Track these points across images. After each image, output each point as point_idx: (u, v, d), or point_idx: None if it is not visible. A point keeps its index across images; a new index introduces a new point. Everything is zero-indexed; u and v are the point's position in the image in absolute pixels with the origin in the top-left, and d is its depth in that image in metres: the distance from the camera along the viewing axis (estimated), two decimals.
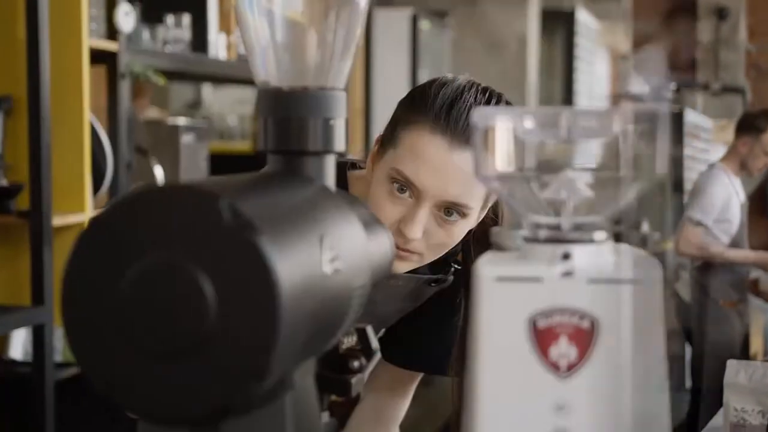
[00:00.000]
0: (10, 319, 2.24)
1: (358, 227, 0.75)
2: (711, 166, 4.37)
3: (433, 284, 1.40)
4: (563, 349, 0.66)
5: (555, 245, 0.67)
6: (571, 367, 0.66)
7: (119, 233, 0.61)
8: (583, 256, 0.67)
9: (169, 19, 2.98)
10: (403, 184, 1.22)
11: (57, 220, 2.33)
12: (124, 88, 2.60)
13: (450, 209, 1.23)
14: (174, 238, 0.60)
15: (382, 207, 1.23)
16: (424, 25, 4.93)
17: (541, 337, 0.66)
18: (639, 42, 9.76)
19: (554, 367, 0.66)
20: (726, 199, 4.16)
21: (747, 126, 4.25)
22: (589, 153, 0.71)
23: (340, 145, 0.77)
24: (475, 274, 0.67)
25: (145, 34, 2.85)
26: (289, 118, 0.76)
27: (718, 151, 8.04)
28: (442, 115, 1.21)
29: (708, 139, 6.92)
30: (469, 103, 1.22)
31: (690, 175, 6.92)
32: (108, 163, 2.52)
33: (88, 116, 2.43)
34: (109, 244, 0.61)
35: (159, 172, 2.84)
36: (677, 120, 6.63)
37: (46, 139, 2.28)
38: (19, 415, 2.41)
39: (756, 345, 4.50)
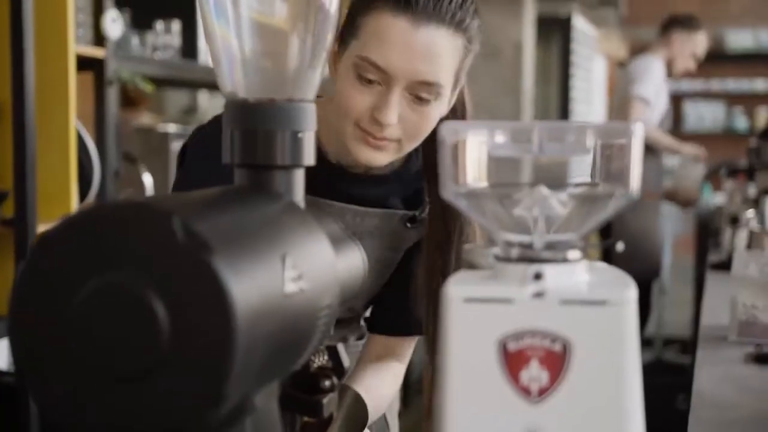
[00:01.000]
0: None
1: (325, 244, 0.72)
2: (644, 54, 4.48)
3: (408, 224, 1.39)
4: (534, 373, 0.63)
5: (527, 264, 0.65)
6: (543, 392, 0.63)
7: (70, 251, 0.58)
8: (555, 275, 0.65)
9: (159, 25, 2.96)
10: (370, 72, 1.20)
11: (42, 229, 2.31)
12: (112, 95, 2.58)
13: (421, 92, 1.21)
14: (126, 258, 0.57)
15: (351, 98, 1.22)
16: None
17: (512, 361, 0.63)
18: (635, 49, 9.76)
19: (525, 391, 0.63)
20: (659, 85, 4.28)
21: (681, 23, 4.35)
22: (564, 169, 0.69)
23: (309, 158, 0.75)
24: (444, 294, 0.65)
25: (135, 41, 2.82)
26: (255, 130, 0.73)
27: (600, 61, 8.07)
28: None
29: (591, 46, 7.00)
30: None
31: (575, 83, 6.97)
32: (95, 171, 2.49)
33: (74, 123, 2.40)
34: (59, 262, 0.59)
35: (148, 180, 2.81)
36: (566, 25, 6.72)
37: (32, 147, 2.26)
38: (3, 425, 2.39)
39: None
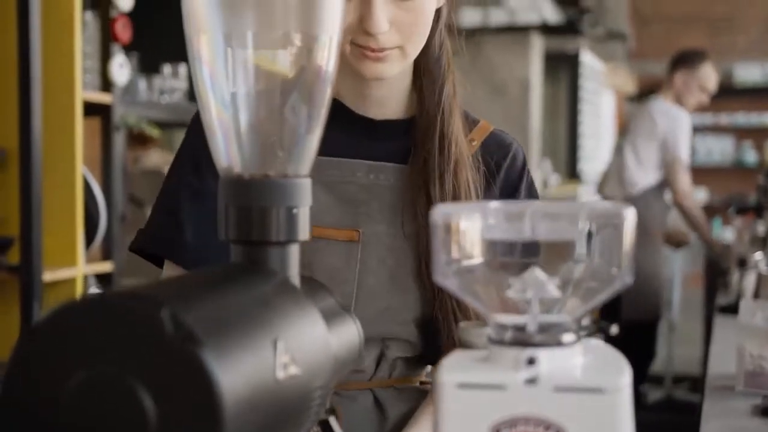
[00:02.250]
0: (1, 375, 2.21)
1: (318, 323, 0.72)
2: (656, 100, 4.42)
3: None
4: None
5: (520, 349, 0.64)
6: None
7: (59, 342, 0.58)
8: (549, 360, 0.64)
9: (166, 68, 2.98)
10: None
11: (48, 275, 2.31)
12: (118, 140, 2.59)
13: None
14: (114, 349, 0.57)
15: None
16: None
17: None
18: (643, 83, 9.79)
19: None
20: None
21: (684, 61, 4.35)
22: (559, 250, 0.68)
23: (304, 233, 0.75)
24: (437, 380, 0.64)
25: (142, 84, 2.84)
26: (250, 207, 0.73)
27: (608, 95, 8.10)
28: None
29: (599, 81, 7.01)
30: None
31: (583, 118, 6.97)
32: (101, 216, 2.50)
33: (80, 169, 2.41)
34: (48, 352, 0.58)
35: None
36: (573, 61, 6.73)
37: (38, 193, 2.26)
38: None
39: None
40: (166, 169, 3.11)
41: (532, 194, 1.30)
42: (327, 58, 0.76)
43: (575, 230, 0.66)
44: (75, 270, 2.41)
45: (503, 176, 1.29)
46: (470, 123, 1.30)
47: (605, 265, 0.66)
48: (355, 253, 1.20)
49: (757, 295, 2.80)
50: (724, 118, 9.97)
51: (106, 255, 2.61)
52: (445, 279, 0.67)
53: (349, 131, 1.26)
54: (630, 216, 0.64)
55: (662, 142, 4.24)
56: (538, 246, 0.67)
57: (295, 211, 0.74)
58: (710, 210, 9.92)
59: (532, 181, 1.32)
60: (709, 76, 4.36)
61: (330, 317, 0.75)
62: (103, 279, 2.65)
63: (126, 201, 2.74)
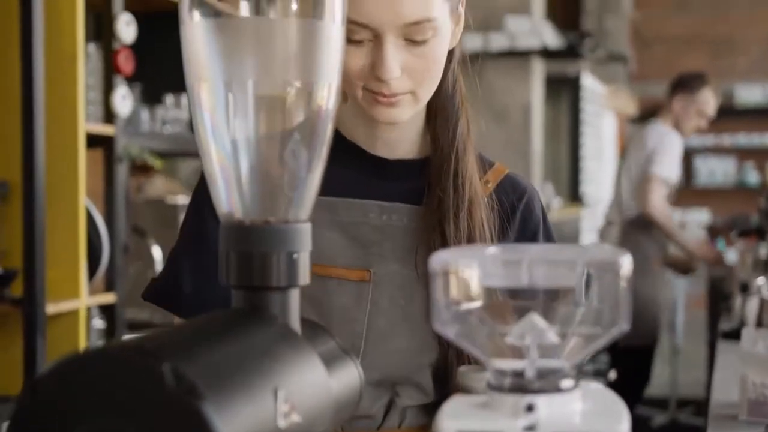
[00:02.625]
0: (3, 409, 2.21)
1: (319, 368, 0.72)
2: (653, 124, 4.43)
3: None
4: None
5: (519, 396, 0.65)
6: None
7: (60, 396, 0.59)
8: (548, 406, 0.64)
9: (168, 99, 3.00)
10: (355, 33, 1.11)
11: (51, 308, 2.31)
12: (121, 171, 2.60)
13: (415, 35, 1.12)
14: (116, 403, 0.57)
15: (348, 63, 1.12)
16: None
17: None
18: (645, 105, 9.82)
19: None
20: (678, 160, 4.30)
21: (683, 86, 4.35)
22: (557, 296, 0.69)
23: (304, 278, 0.75)
24: (437, 426, 0.65)
25: (144, 115, 2.86)
26: (251, 252, 0.74)
27: (610, 117, 8.11)
28: None
29: (601, 103, 7.01)
30: None
31: (585, 141, 6.98)
32: (104, 247, 2.51)
33: (83, 201, 2.42)
34: (49, 407, 0.59)
35: (157, 253, 2.82)
36: (575, 84, 6.74)
37: (41, 226, 2.27)
38: None
39: None
40: (169, 198, 3.12)
41: (550, 242, 1.27)
42: (326, 103, 0.77)
43: (572, 277, 0.66)
44: (78, 302, 2.41)
45: (519, 220, 1.26)
46: (485, 165, 1.29)
47: (603, 312, 0.66)
48: (366, 294, 1.19)
49: (760, 320, 2.80)
50: (726, 139, 9.98)
51: (109, 286, 2.62)
52: (444, 326, 0.67)
53: (362, 171, 1.25)
54: (626, 263, 0.65)
55: (646, 159, 4.27)
56: (536, 292, 0.68)
57: (295, 256, 0.74)
58: (713, 231, 9.94)
59: (551, 228, 1.28)
60: (707, 101, 4.36)
61: (330, 360, 0.76)
62: (106, 310, 2.66)
63: (129, 231, 2.75)
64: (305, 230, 0.76)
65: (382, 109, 1.16)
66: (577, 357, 0.67)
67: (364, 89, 1.16)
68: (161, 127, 2.94)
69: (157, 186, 3.57)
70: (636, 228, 4.33)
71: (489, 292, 0.68)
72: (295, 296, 0.75)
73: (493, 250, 0.69)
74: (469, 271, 0.67)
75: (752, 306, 2.87)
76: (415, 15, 1.11)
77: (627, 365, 4.27)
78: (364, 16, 1.10)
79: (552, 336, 0.67)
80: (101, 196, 2.59)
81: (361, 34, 1.11)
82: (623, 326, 0.66)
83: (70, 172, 2.39)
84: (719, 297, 4.44)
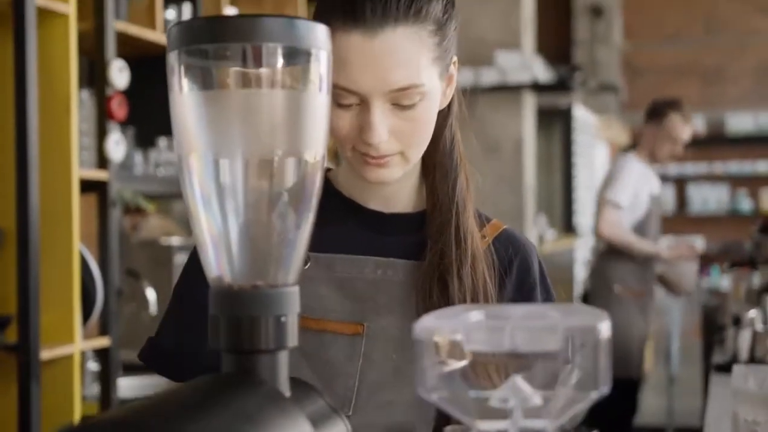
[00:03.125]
0: None
1: (306, 431, 0.74)
2: (624, 153, 4.49)
3: None
4: None
5: None
6: None
7: None
8: None
9: (162, 141, 3.02)
10: (343, 97, 1.13)
11: (45, 353, 2.32)
12: (115, 215, 2.62)
13: (402, 100, 1.13)
14: None
15: (336, 128, 1.14)
16: None
17: None
18: (637, 133, 9.89)
19: None
20: (637, 186, 4.27)
21: (651, 114, 4.38)
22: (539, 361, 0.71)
23: (293, 340, 0.77)
24: None
25: (138, 158, 2.88)
26: (240, 317, 0.75)
27: (602, 147, 8.14)
28: (345, 7, 1.12)
29: (593, 134, 7.04)
30: None
31: (577, 171, 7.00)
32: (98, 292, 2.52)
33: (77, 246, 2.43)
34: None
35: (151, 296, 2.83)
36: (566, 115, 6.78)
37: (35, 272, 2.29)
38: None
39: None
40: (162, 239, 3.13)
41: (549, 299, 1.29)
42: (313, 169, 0.79)
43: (554, 341, 0.68)
44: (72, 347, 2.42)
45: (516, 274, 1.27)
46: (482, 220, 1.29)
47: (584, 375, 0.68)
48: (359, 347, 1.19)
49: (752, 353, 2.81)
50: (719, 167, 10.04)
51: (104, 330, 2.63)
52: (429, 391, 0.69)
53: (360, 226, 1.26)
54: (605, 329, 0.67)
55: (603, 185, 4.32)
56: (519, 355, 0.69)
57: (283, 319, 0.76)
58: (707, 259, 9.97)
59: (549, 285, 1.30)
60: (675, 125, 4.33)
61: (319, 420, 0.77)
62: (100, 353, 2.67)
63: (123, 275, 2.76)
64: (293, 293, 0.77)
65: (372, 169, 1.17)
66: (561, 418, 0.69)
67: (353, 150, 1.17)
68: (155, 170, 2.96)
69: (153, 225, 3.59)
70: (603, 259, 4.37)
71: (473, 356, 0.69)
72: (283, 358, 0.77)
73: (476, 315, 0.71)
74: (453, 336, 0.68)
75: (744, 339, 2.88)
76: (402, 82, 1.12)
77: (611, 396, 4.26)
78: (351, 82, 1.11)
79: (535, 398, 0.69)
80: (95, 241, 2.61)
81: (349, 98, 1.13)
82: (603, 389, 0.68)
83: (64, 217, 2.40)
84: (713, 327, 4.44)
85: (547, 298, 1.29)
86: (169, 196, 3.34)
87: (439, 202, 1.25)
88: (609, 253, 4.32)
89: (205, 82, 0.79)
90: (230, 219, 0.77)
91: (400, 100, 1.13)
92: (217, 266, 0.78)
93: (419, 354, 0.69)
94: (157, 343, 1.29)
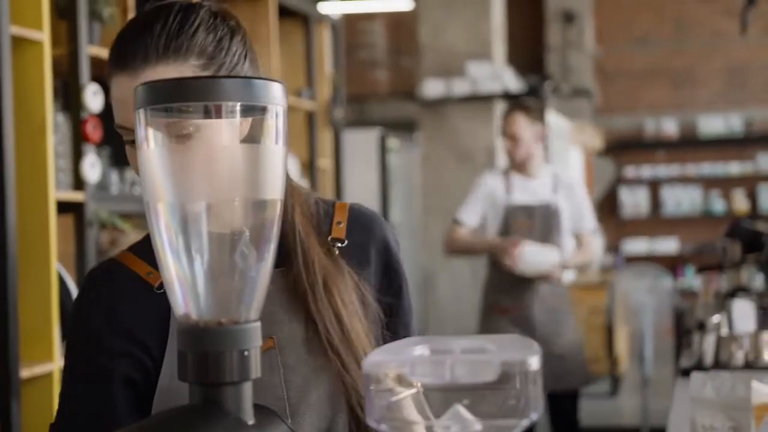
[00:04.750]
0: None
1: None
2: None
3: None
4: None
5: None
6: None
7: None
8: None
9: None
10: (126, 134, 1.18)
11: (25, 372, 2.37)
12: (91, 236, 2.67)
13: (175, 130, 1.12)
14: None
15: (134, 167, 1.18)
16: (392, 143, 5.06)
17: None
18: (610, 138, 10.00)
19: None
20: (486, 200, 4.12)
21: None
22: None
23: (256, 371, 0.84)
24: None
25: (114, 178, 2.93)
26: (206, 352, 0.82)
27: (576, 152, 8.23)
28: (115, 55, 1.20)
29: (567, 139, 7.12)
30: (140, 22, 1.21)
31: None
32: None
33: (54, 266, 2.49)
34: None
35: None
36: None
37: (13, 292, 2.34)
38: None
39: None
40: None
41: (398, 272, 1.35)
42: (272, 211, 0.86)
43: (491, 374, 0.75)
44: (52, 365, 2.47)
45: (374, 258, 1.34)
46: (327, 206, 1.34)
47: (518, 403, 0.75)
48: (276, 359, 1.25)
49: (717, 358, 2.88)
50: (691, 169, 10.17)
51: None
52: (377, 422, 0.76)
53: None
54: (535, 361, 0.74)
55: None
56: (461, 386, 0.76)
57: (246, 353, 0.83)
58: (681, 259, 10.10)
59: (397, 258, 1.36)
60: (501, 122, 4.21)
61: None
62: None
63: None
64: (255, 329, 0.84)
65: None
66: None
67: None
68: (131, 189, 3.02)
69: (131, 241, 3.63)
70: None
71: (416, 388, 0.76)
72: (247, 389, 0.84)
73: (420, 350, 0.77)
74: (398, 371, 0.75)
75: (709, 343, 2.94)
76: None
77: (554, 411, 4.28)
78: (123, 120, 1.18)
79: (476, 425, 0.76)
80: (73, 260, 2.66)
81: (130, 135, 1.18)
82: (534, 416, 0.75)
83: (41, 238, 2.46)
84: (684, 328, 4.51)
85: (398, 275, 1.36)
86: (144, 213, 3.39)
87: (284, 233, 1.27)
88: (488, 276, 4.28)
89: (170, 137, 0.86)
90: (195, 261, 0.84)
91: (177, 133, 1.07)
92: (184, 305, 0.84)
93: (367, 386, 0.76)
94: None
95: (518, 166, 4.13)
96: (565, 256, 4.12)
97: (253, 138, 0.84)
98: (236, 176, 0.84)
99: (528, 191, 4.14)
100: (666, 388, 5.71)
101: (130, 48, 1.19)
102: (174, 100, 0.83)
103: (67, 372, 1.28)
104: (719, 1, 9.81)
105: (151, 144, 0.84)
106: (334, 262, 1.30)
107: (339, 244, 1.31)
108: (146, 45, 1.19)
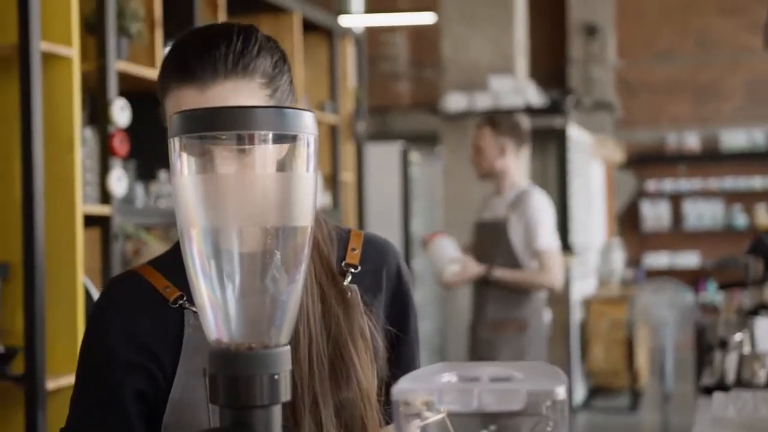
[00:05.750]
0: None
1: None
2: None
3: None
4: None
5: None
6: None
7: None
8: None
9: (162, 174, 3.11)
10: None
11: (51, 384, 2.40)
12: (117, 249, 2.70)
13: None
14: None
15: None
16: (414, 156, 5.07)
17: None
18: (632, 151, 9.98)
19: None
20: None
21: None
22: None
23: (286, 395, 0.85)
24: None
25: (140, 191, 2.96)
26: (237, 376, 0.84)
27: (598, 165, 8.19)
28: (179, 67, 1.22)
29: (588, 152, 7.08)
30: (201, 37, 1.23)
31: (573, 190, 7.06)
32: None
33: (81, 280, 2.51)
34: None
35: None
36: (561, 136, 6.79)
37: (41, 305, 2.37)
38: None
39: None
40: None
41: (407, 303, 1.36)
42: (303, 237, 0.87)
43: (518, 403, 0.76)
44: None
45: (386, 283, 1.35)
46: (343, 233, 1.35)
47: (543, 430, 0.76)
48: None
49: (739, 377, 2.87)
50: (713, 183, 10.13)
51: None
52: None
53: None
54: (561, 392, 0.75)
55: None
56: (487, 414, 0.78)
57: (276, 377, 0.84)
58: (702, 274, 10.05)
59: (408, 288, 1.37)
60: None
61: None
62: None
63: None
64: (285, 353, 0.86)
65: None
66: None
67: None
68: (155, 202, 3.05)
69: (154, 251, 3.66)
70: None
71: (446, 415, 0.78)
72: (277, 411, 0.86)
73: (447, 377, 0.79)
74: (426, 398, 0.77)
75: (731, 362, 2.93)
76: None
77: None
78: None
79: None
80: (99, 274, 2.69)
81: None
82: None
83: (68, 251, 2.49)
84: (705, 344, 4.49)
85: (407, 304, 1.37)
86: (170, 226, 3.42)
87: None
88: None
89: (204, 165, 0.88)
90: (227, 286, 0.86)
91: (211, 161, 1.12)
92: (216, 329, 0.86)
93: (396, 415, 0.77)
94: None
95: (486, 179, 4.14)
96: (472, 269, 4.00)
97: (284, 166, 0.86)
98: (268, 203, 0.86)
99: (491, 208, 4.14)
100: (687, 404, 5.70)
101: (198, 62, 1.21)
102: (208, 129, 0.85)
103: (79, 381, 1.29)
104: (743, 16, 9.77)
105: (185, 171, 0.86)
106: (345, 308, 1.28)
107: (353, 270, 1.32)
108: (215, 60, 1.21)
